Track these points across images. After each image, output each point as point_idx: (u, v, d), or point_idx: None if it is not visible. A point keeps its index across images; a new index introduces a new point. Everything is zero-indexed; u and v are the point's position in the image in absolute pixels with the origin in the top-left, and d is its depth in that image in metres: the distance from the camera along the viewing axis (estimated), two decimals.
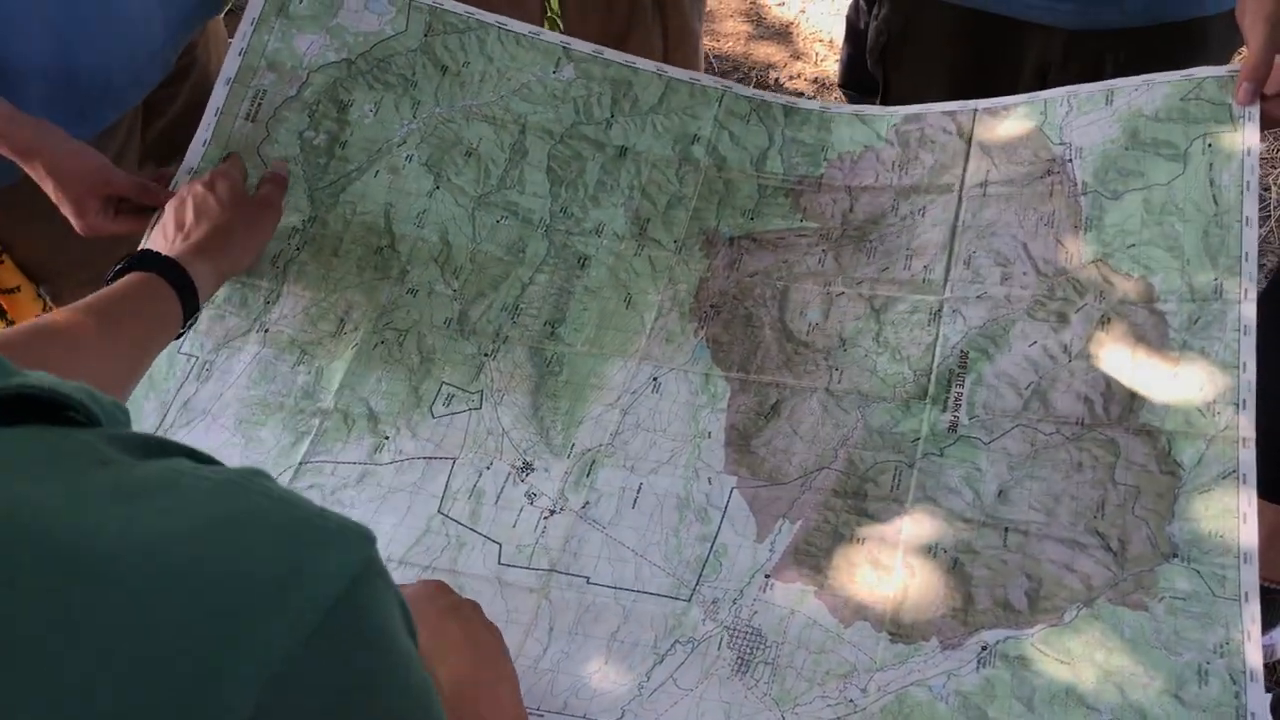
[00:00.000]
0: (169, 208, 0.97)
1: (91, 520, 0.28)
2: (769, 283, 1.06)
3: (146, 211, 1.03)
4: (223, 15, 1.21)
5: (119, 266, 0.89)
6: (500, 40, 1.13)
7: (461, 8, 1.15)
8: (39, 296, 1.19)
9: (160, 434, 0.98)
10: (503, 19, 1.15)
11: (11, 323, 1.16)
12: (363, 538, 0.32)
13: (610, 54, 1.14)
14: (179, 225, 0.95)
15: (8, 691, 0.25)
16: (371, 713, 0.32)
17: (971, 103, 1.09)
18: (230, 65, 1.08)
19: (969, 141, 1.07)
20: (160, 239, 0.95)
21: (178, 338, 0.93)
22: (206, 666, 0.27)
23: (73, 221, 1.01)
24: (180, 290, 0.88)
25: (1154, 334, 0.91)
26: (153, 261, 0.89)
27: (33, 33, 0.98)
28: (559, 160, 1.11)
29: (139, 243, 1.01)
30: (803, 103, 1.15)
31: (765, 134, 1.13)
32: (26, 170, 0.99)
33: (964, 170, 1.06)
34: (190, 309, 0.90)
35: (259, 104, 1.08)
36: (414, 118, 1.10)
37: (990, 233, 1.02)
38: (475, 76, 1.12)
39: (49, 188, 0.99)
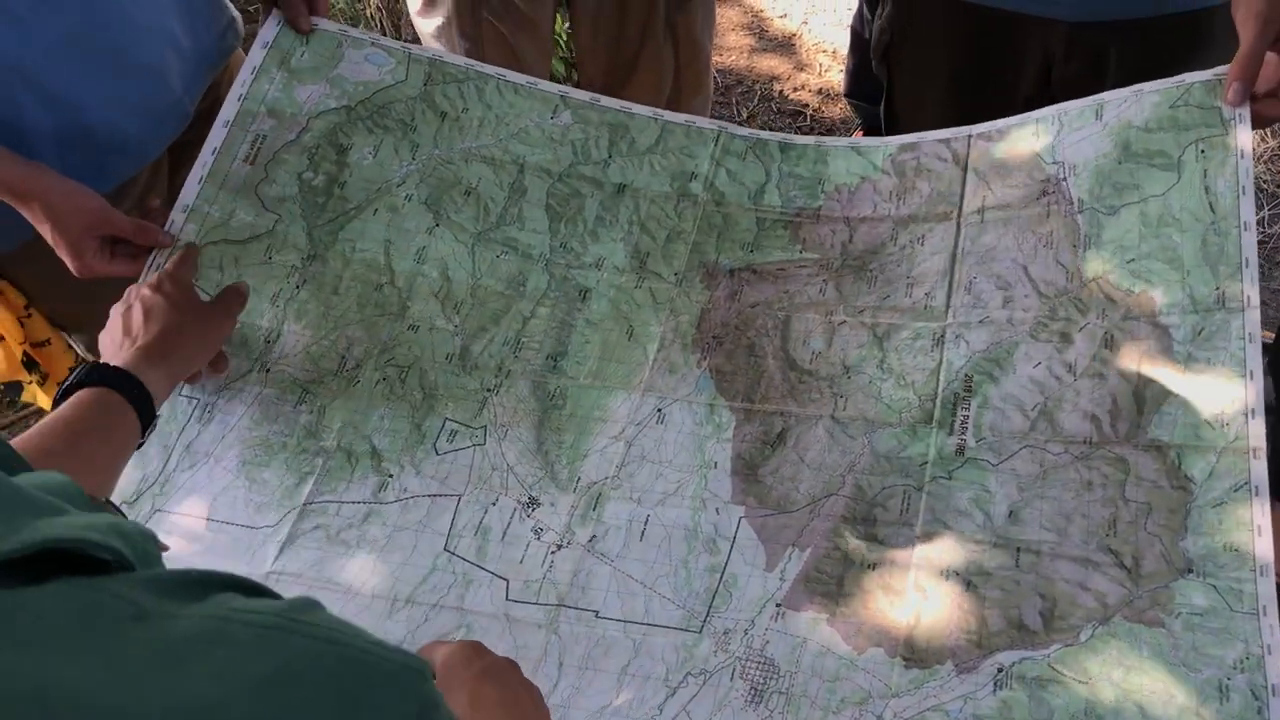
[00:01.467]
0: (115, 313, 0.95)
1: (133, 694, 0.27)
2: (770, 313, 1.08)
3: (144, 254, 1.05)
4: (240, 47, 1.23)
5: (68, 382, 0.87)
6: (499, 89, 1.16)
7: (461, 59, 1.18)
8: (69, 348, 1.22)
9: (166, 484, 0.99)
10: (502, 70, 1.18)
11: (45, 375, 1.18)
12: (417, 675, 0.32)
13: (607, 101, 1.18)
14: (127, 330, 0.93)
15: None
16: None
17: (966, 129, 1.12)
18: (229, 109, 1.11)
19: (964, 169, 1.10)
20: (109, 345, 0.93)
21: (138, 446, 0.91)
22: None
23: (69, 263, 1.02)
24: (136, 403, 0.86)
25: (1158, 348, 0.93)
26: (106, 375, 0.87)
27: (45, 93, 1.00)
28: (558, 198, 1.13)
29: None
30: (798, 139, 1.18)
31: (762, 169, 1.16)
32: (23, 213, 1.00)
33: (961, 198, 1.08)
34: (147, 419, 0.88)
35: (258, 148, 1.10)
36: (413, 159, 1.13)
37: (990, 258, 1.03)
38: (474, 122, 1.15)
39: (46, 230, 1.00)
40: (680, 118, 1.18)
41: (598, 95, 1.19)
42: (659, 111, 1.19)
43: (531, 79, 1.18)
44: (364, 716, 0.29)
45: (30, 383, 1.18)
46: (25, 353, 1.15)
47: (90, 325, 1.18)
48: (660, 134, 1.17)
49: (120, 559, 0.33)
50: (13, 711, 0.26)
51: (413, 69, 1.16)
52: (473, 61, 1.18)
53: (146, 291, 0.95)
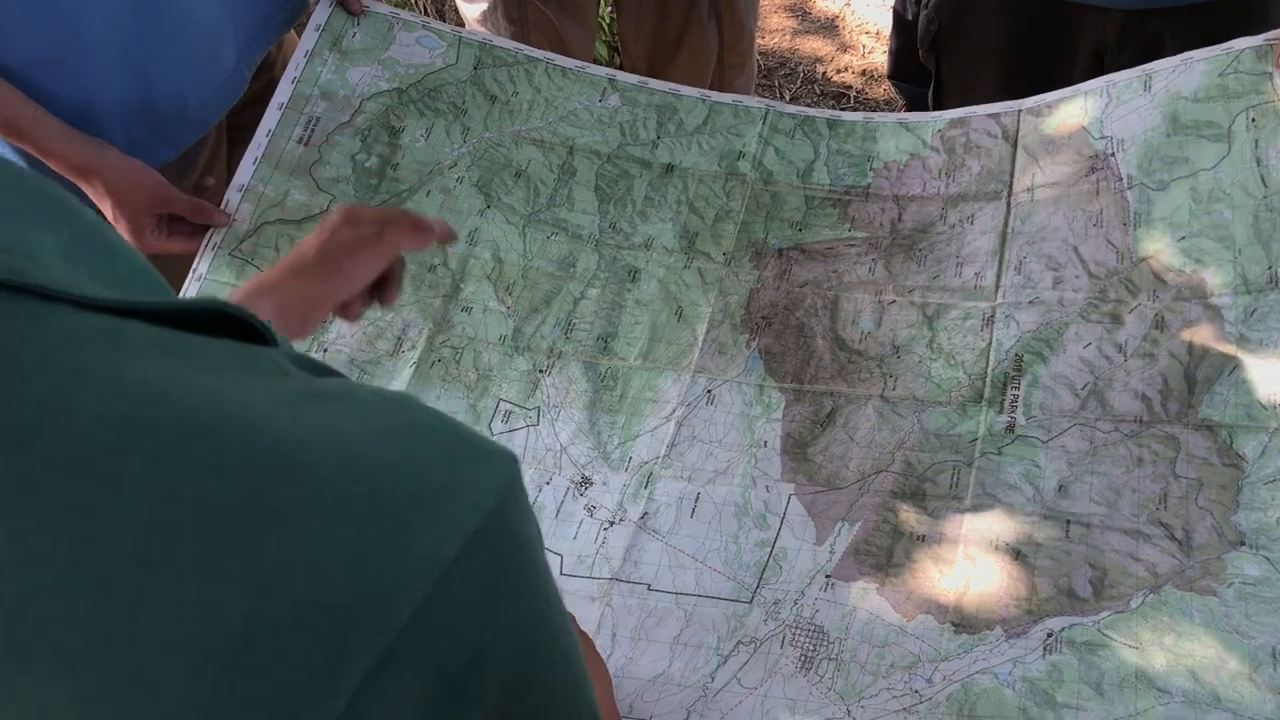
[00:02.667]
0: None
1: (286, 416, 0.33)
2: (819, 292, 1.11)
3: (200, 231, 1.09)
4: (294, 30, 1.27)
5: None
6: (548, 73, 1.21)
7: (510, 43, 1.23)
8: None
9: None
10: (550, 54, 1.23)
11: None
12: (512, 458, 0.36)
13: (655, 83, 1.22)
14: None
15: (214, 569, 0.29)
16: (520, 610, 0.36)
17: (1016, 104, 1.13)
18: (284, 91, 1.16)
19: (1014, 145, 1.12)
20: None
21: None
22: (385, 555, 0.31)
23: (128, 239, 1.06)
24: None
25: (1210, 329, 0.94)
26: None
27: (109, 66, 1.04)
28: (606, 179, 1.18)
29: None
30: (846, 115, 1.22)
31: (810, 147, 1.19)
32: (84, 189, 1.05)
33: (1011, 175, 1.10)
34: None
35: (312, 129, 1.15)
36: (464, 142, 1.17)
37: (1040, 238, 1.05)
38: (524, 105, 1.19)
39: (106, 207, 1.05)
40: (728, 97, 1.21)
41: (646, 78, 1.23)
42: (706, 92, 1.22)
43: (580, 63, 1.22)
44: (468, 476, 0.34)
45: None
46: None
47: None
48: (708, 114, 1.20)
49: (274, 340, 0.38)
50: (192, 409, 0.31)
51: (463, 52, 1.20)
52: (522, 45, 1.23)
53: (333, 215, 0.88)
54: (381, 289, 0.90)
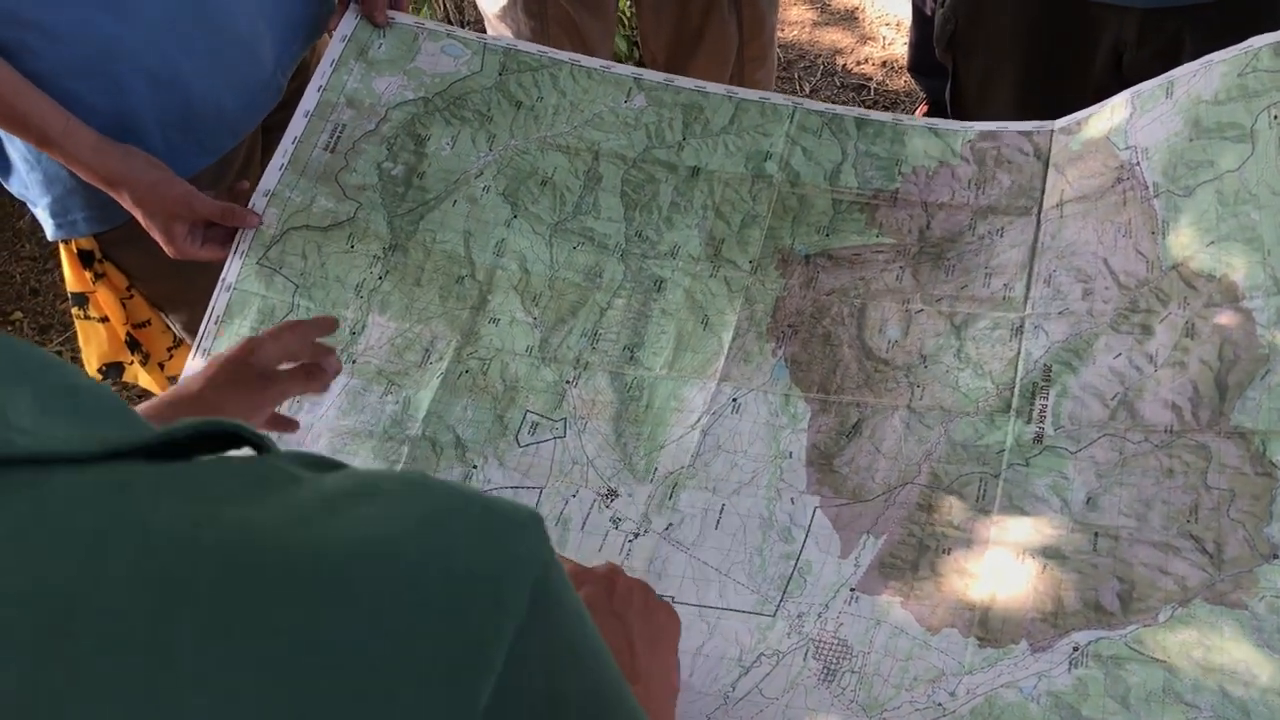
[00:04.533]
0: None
1: (319, 531, 0.32)
2: (846, 300, 1.13)
3: (233, 236, 1.13)
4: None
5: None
6: (573, 75, 1.23)
7: (534, 47, 1.25)
8: (166, 329, 1.31)
9: None
10: (575, 56, 1.25)
11: (147, 355, 1.29)
12: (540, 521, 0.37)
13: (681, 81, 1.23)
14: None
15: (275, 707, 0.28)
16: (584, 678, 0.37)
17: (1049, 123, 1.15)
18: (310, 99, 1.19)
19: (1046, 163, 1.13)
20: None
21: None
22: (456, 661, 0.31)
23: (164, 247, 1.10)
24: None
25: (1241, 333, 0.95)
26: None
27: (149, 74, 1.08)
28: (632, 184, 1.20)
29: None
30: (875, 115, 1.23)
31: (838, 147, 1.20)
32: (115, 198, 1.08)
33: (1042, 194, 1.12)
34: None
35: (338, 136, 1.18)
36: (490, 150, 1.20)
37: (1070, 252, 1.06)
38: (549, 110, 1.22)
39: (139, 215, 1.09)
40: (754, 94, 1.23)
41: (671, 76, 1.24)
42: (733, 89, 1.24)
43: (605, 63, 1.24)
44: (508, 549, 0.34)
45: (131, 363, 1.27)
46: (129, 333, 1.24)
47: (188, 304, 1.26)
48: (734, 112, 1.22)
49: (261, 441, 0.38)
50: (227, 549, 0.30)
51: (488, 59, 1.23)
52: (546, 49, 1.25)
53: (230, 348, 0.91)
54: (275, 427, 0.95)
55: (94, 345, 1.24)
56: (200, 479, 0.34)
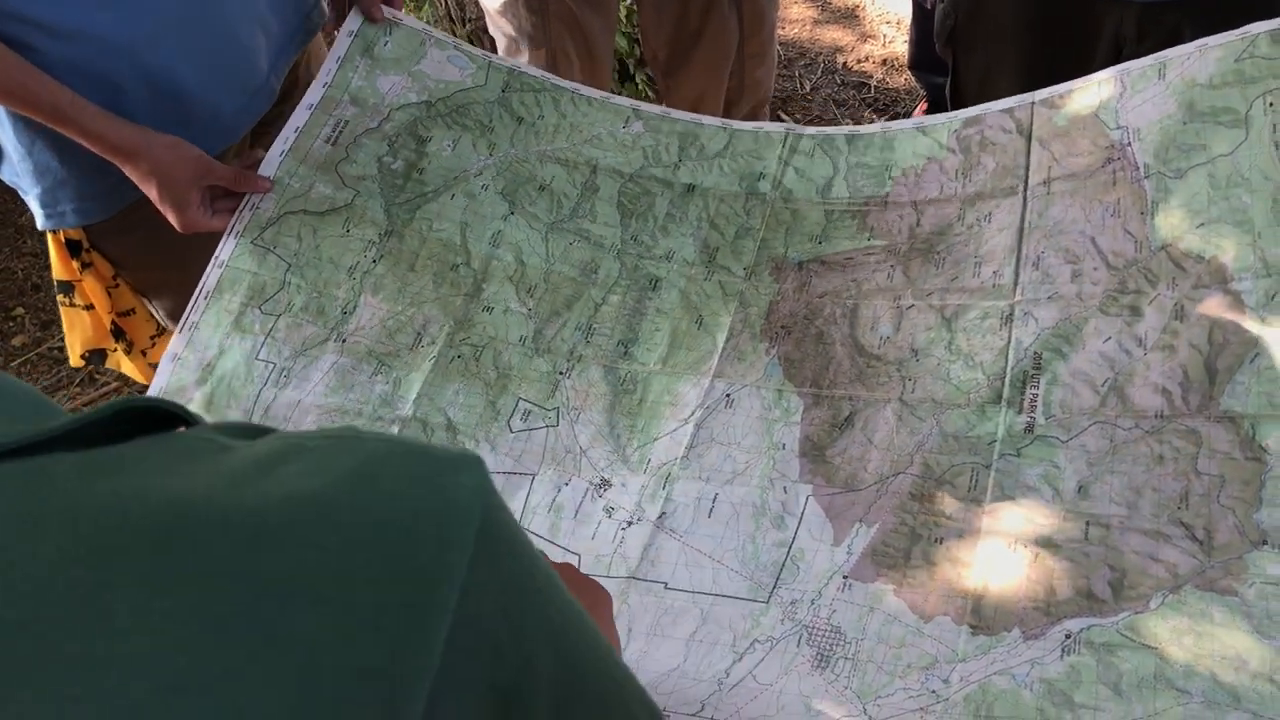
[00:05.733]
0: None
1: (253, 493, 0.32)
2: (839, 302, 1.12)
3: (236, 204, 1.13)
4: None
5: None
6: (574, 101, 1.24)
7: (538, 71, 1.26)
8: (150, 317, 1.30)
9: None
10: (577, 85, 1.26)
11: (131, 344, 1.29)
12: (478, 460, 0.36)
13: (677, 113, 1.25)
14: None
15: (246, 674, 0.28)
16: (534, 603, 0.37)
17: (1028, 96, 1.14)
18: (314, 93, 1.19)
19: (1029, 138, 1.12)
20: None
21: None
22: (404, 601, 0.31)
23: (174, 219, 1.10)
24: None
25: (1230, 316, 0.94)
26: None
27: (146, 77, 1.08)
28: (629, 196, 1.20)
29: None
30: (864, 129, 1.23)
31: (830, 164, 1.20)
32: (127, 171, 1.08)
33: (1026, 169, 1.11)
34: None
35: (340, 131, 1.19)
36: (490, 155, 1.20)
37: (1058, 231, 1.06)
38: (549, 127, 1.22)
39: (152, 186, 1.08)
40: (749, 125, 1.24)
41: (669, 109, 1.26)
42: (728, 121, 1.25)
43: (605, 94, 1.25)
44: (447, 490, 0.34)
45: (115, 350, 1.27)
46: (113, 321, 1.24)
47: (173, 292, 1.26)
48: (729, 140, 1.23)
49: (189, 418, 0.38)
50: (161, 520, 0.30)
51: (492, 75, 1.24)
52: (549, 75, 1.26)
53: None
54: None
55: (78, 331, 1.24)
56: (124, 459, 0.33)
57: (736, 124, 1.25)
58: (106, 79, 1.06)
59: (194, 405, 1.07)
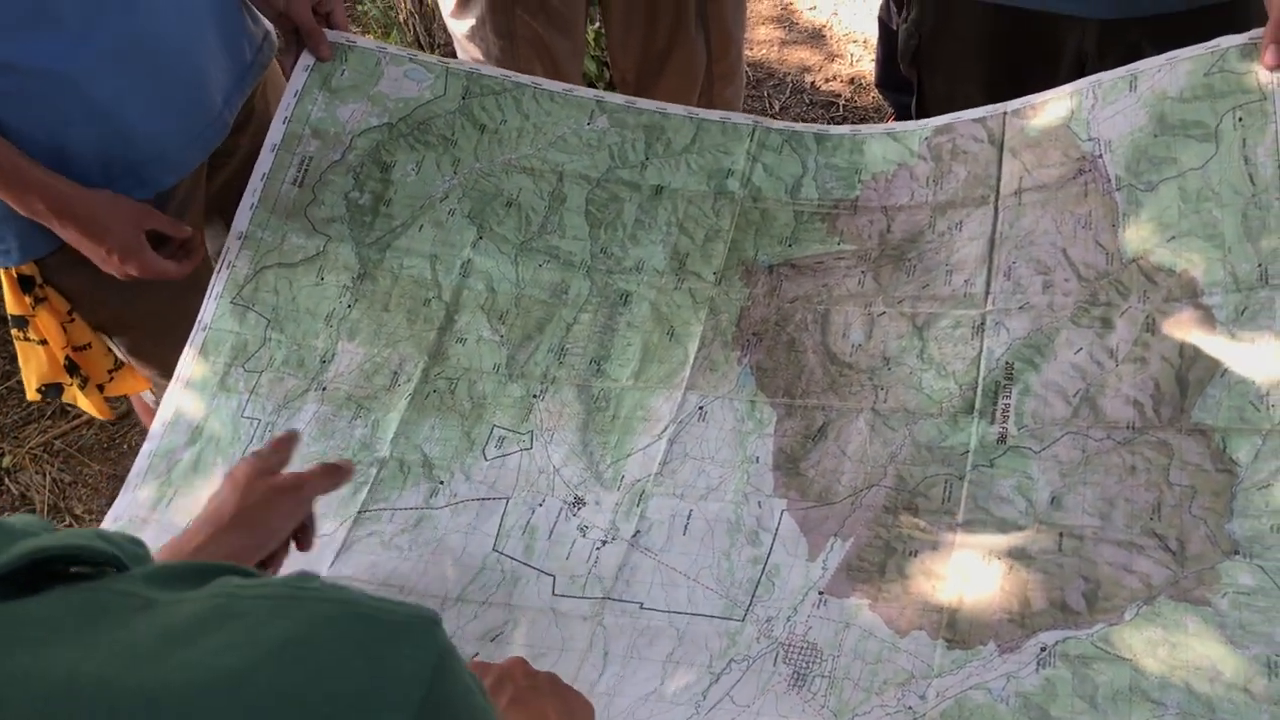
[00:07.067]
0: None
1: (155, 675, 0.29)
2: (810, 307, 1.12)
3: (187, 258, 1.12)
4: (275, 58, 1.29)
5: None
6: (535, 98, 1.22)
7: (497, 71, 1.24)
8: (108, 352, 1.29)
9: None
10: (537, 80, 1.24)
11: (85, 379, 1.27)
12: (429, 623, 0.33)
13: (642, 103, 1.22)
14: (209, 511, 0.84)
15: None
16: None
17: (1000, 106, 1.13)
18: (275, 132, 1.18)
19: (1000, 148, 1.12)
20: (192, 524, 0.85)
21: None
22: None
23: (131, 267, 1.08)
24: None
25: (1201, 330, 0.94)
26: None
27: (91, 103, 1.06)
28: (597, 203, 1.19)
29: (200, 288, 1.11)
30: (834, 129, 1.22)
31: (799, 162, 1.20)
32: (60, 233, 1.06)
33: (998, 179, 1.10)
34: None
35: (305, 169, 1.17)
36: (455, 174, 1.19)
37: (1029, 241, 1.05)
38: (513, 133, 1.21)
39: (86, 245, 1.07)
40: (715, 114, 1.22)
41: (633, 98, 1.24)
42: (694, 110, 1.23)
43: (567, 86, 1.23)
44: (388, 669, 0.31)
45: (70, 385, 1.25)
46: (67, 356, 1.22)
47: (131, 328, 1.25)
48: (696, 132, 1.21)
49: (111, 560, 0.34)
50: (46, 704, 0.28)
51: (451, 83, 1.22)
52: (508, 72, 1.24)
53: (241, 469, 0.87)
54: (300, 536, 0.89)
55: (33, 366, 1.23)
56: (22, 621, 0.31)
57: (703, 113, 1.23)
58: (51, 111, 1.04)
59: (183, 466, 1.07)
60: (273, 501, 0.84)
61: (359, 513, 1.04)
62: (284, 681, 0.29)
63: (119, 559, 0.35)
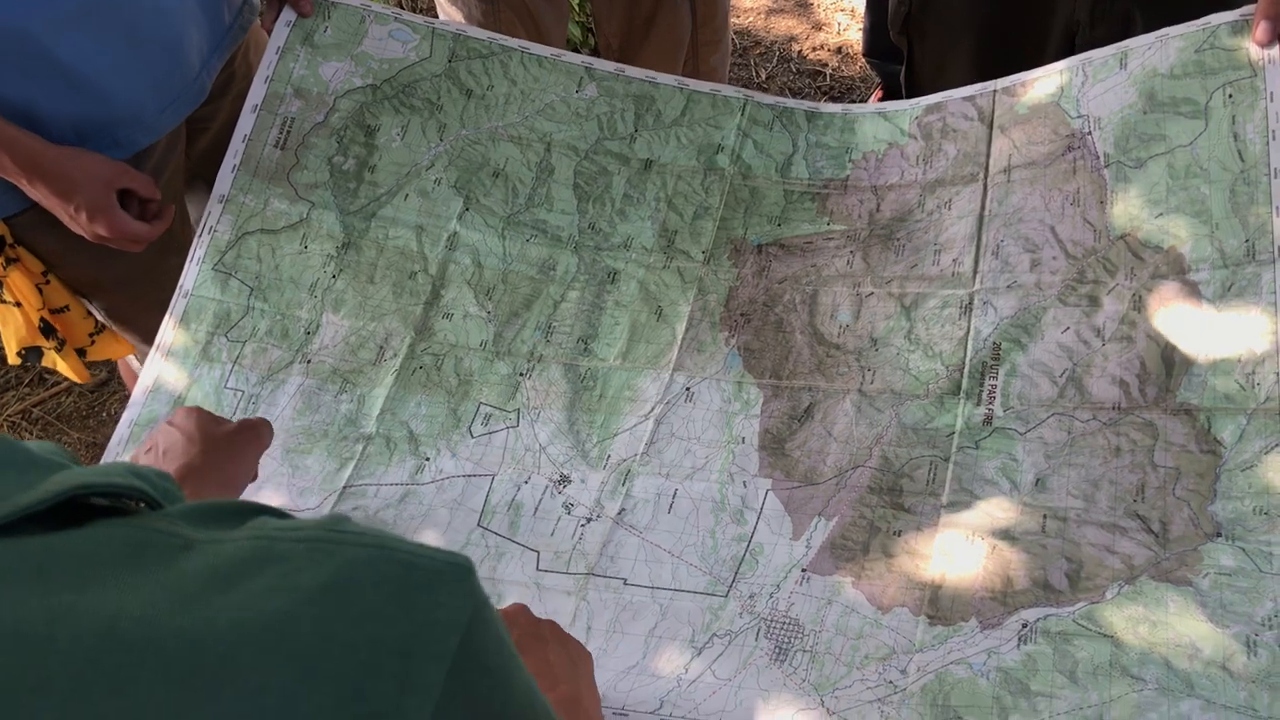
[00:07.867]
0: (138, 455, 0.88)
1: (199, 617, 0.29)
2: (798, 288, 1.11)
3: (158, 220, 1.09)
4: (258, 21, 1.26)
5: None
6: (523, 64, 1.20)
7: (484, 34, 1.21)
8: (88, 314, 1.26)
9: None
10: (525, 43, 1.21)
11: (63, 341, 1.25)
12: (466, 571, 0.33)
13: (632, 71, 1.20)
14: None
15: None
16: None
17: (990, 84, 1.13)
18: (257, 92, 1.16)
19: (990, 126, 1.11)
20: None
21: None
22: None
23: (100, 226, 1.05)
24: None
25: (1187, 306, 0.93)
26: None
27: (56, 63, 1.03)
28: (585, 176, 1.18)
29: (176, 251, 1.08)
30: (825, 106, 1.22)
31: (789, 140, 1.19)
32: (31, 193, 1.04)
33: (987, 157, 1.10)
34: None
35: (288, 131, 1.15)
36: (440, 141, 1.17)
37: (1017, 219, 1.05)
38: (500, 99, 1.19)
39: (56, 205, 1.04)
40: (705, 86, 1.21)
41: (622, 66, 1.21)
42: (684, 81, 1.21)
43: (556, 51, 1.21)
44: (424, 614, 0.31)
45: (49, 348, 1.22)
46: (43, 319, 1.20)
47: (107, 291, 1.22)
48: (686, 104, 1.20)
49: (146, 497, 0.35)
50: (87, 648, 0.27)
51: (437, 45, 1.19)
52: (496, 35, 1.21)
53: (165, 427, 0.87)
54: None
55: (11, 329, 1.20)
56: (67, 557, 0.30)
57: (693, 84, 1.21)
58: (17, 69, 1.02)
59: None
60: (236, 443, 0.85)
61: (344, 488, 1.03)
62: (328, 626, 0.29)
63: (150, 494, 0.35)
